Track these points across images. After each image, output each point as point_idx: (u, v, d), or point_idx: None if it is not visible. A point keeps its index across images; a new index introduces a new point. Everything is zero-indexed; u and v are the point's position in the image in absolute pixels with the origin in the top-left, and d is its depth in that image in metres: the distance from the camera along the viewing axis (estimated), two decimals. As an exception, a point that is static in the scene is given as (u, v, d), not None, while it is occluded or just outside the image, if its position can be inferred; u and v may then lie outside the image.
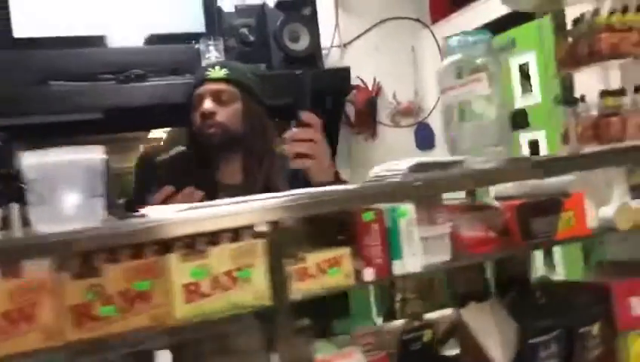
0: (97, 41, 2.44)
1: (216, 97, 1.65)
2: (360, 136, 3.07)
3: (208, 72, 1.69)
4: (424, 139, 3.19)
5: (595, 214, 1.22)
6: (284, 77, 2.58)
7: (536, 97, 2.52)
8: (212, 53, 2.54)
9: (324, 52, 2.89)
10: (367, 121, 3.05)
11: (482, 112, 1.25)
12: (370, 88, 3.05)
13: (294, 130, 1.26)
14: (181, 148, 1.44)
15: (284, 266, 0.95)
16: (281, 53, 2.63)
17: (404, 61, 3.16)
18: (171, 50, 2.50)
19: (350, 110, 3.03)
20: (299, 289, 0.97)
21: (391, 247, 1.02)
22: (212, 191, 1.61)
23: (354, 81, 2.92)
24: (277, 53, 2.64)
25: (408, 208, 1.03)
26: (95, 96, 2.39)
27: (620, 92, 1.21)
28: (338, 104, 2.82)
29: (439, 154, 3.04)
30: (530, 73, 2.54)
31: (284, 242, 0.96)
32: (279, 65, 2.63)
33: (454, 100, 1.28)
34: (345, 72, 2.76)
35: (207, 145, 1.65)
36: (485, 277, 1.35)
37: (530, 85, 2.55)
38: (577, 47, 1.23)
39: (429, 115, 3.15)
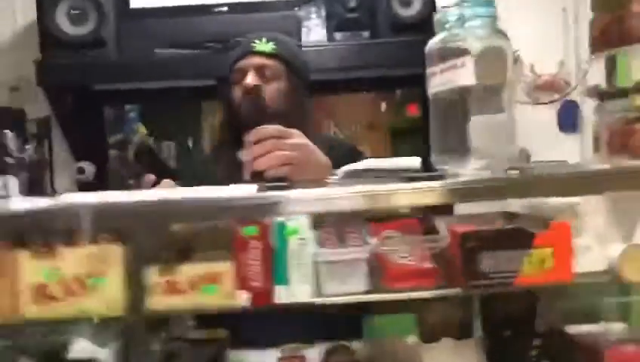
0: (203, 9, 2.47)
1: (260, 72, 1.55)
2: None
3: (254, 44, 1.58)
4: (568, 119, 2.72)
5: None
6: (389, 45, 2.39)
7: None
8: (313, 20, 2.45)
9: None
10: (497, 96, 2.68)
11: (465, 108, 0.98)
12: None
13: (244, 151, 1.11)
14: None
15: (143, 277, 0.85)
16: (388, 20, 2.41)
17: (551, 25, 2.70)
18: (273, 18, 2.44)
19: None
20: (165, 304, 0.87)
21: (275, 270, 0.85)
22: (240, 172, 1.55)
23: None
24: (383, 19, 2.42)
25: (300, 225, 0.85)
26: (200, 64, 2.44)
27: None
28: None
29: (585, 137, 2.59)
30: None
31: (146, 249, 0.86)
32: (385, 33, 2.42)
33: (437, 90, 1.02)
34: (460, 40, 2.44)
35: (246, 122, 1.57)
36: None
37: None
38: (611, 24, 0.89)
39: (571, 90, 2.67)
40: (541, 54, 2.66)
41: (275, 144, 1.07)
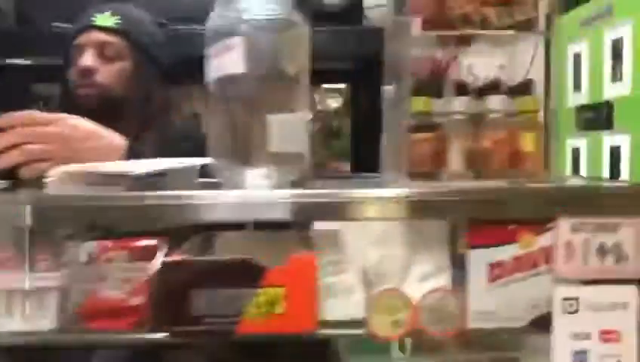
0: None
1: (100, 51, 1.34)
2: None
3: (94, 18, 1.37)
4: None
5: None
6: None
7: (625, 87, 1.77)
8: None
9: (382, 9, 2.38)
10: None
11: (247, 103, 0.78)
12: (437, 60, 2.45)
13: None
14: None
15: None
16: (309, 7, 2.20)
17: (494, 27, 2.49)
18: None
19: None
20: None
21: None
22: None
23: (418, 52, 2.37)
24: (306, 5, 2.21)
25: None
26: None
27: (436, 89, 0.65)
28: (371, 72, 2.31)
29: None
30: (623, 53, 1.79)
31: None
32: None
33: (209, 78, 0.82)
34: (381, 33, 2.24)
35: (81, 109, 1.36)
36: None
37: (621, 70, 1.80)
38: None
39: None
40: (480, 57, 2.45)
41: (24, 135, 0.86)
